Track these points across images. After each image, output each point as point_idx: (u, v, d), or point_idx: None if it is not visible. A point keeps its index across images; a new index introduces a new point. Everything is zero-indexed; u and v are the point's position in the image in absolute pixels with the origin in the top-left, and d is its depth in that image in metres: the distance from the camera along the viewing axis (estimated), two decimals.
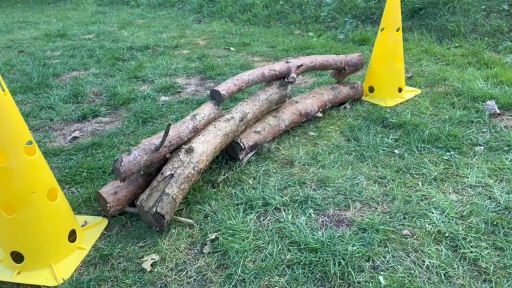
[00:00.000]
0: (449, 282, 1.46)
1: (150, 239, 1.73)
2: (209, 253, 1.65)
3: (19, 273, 1.58)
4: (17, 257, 1.58)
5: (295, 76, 2.52)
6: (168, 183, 1.74)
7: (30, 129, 2.79)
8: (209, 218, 1.85)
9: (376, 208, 1.86)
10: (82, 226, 1.81)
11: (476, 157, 2.22)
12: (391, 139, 2.45)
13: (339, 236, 1.69)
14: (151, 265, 1.59)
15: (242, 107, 2.29)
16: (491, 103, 2.73)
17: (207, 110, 2.14)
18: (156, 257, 1.63)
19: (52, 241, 1.58)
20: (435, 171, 2.11)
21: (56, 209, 1.58)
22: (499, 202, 1.85)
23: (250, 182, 2.10)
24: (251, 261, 1.59)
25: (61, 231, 1.61)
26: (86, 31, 6.09)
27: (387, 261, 1.56)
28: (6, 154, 1.41)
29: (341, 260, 1.56)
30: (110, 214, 1.84)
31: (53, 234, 1.58)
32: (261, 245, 1.67)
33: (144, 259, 1.63)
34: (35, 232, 1.53)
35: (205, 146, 1.97)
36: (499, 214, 1.78)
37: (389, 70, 2.96)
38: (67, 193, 2.08)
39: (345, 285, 1.47)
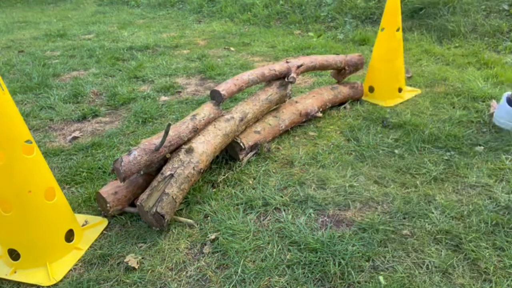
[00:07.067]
0: (449, 282, 1.46)
1: (150, 239, 1.73)
2: (209, 253, 1.65)
3: (15, 271, 1.58)
4: (17, 255, 1.59)
5: (295, 76, 2.52)
6: (168, 183, 1.74)
7: (30, 129, 2.79)
8: (209, 218, 1.85)
9: (376, 208, 1.86)
10: (83, 225, 1.81)
11: (476, 157, 2.22)
12: (391, 139, 2.45)
13: (339, 236, 1.68)
14: (137, 263, 1.60)
15: (242, 107, 2.29)
16: (494, 103, 2.73)
17: (207, 110, 2.14)
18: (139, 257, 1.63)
19: (48, 240, 1.58)
20: (435, 171, 2.11)
21: (53, 209, 1.58)
22: (499, 202, 1.85)
23: (250, 182, 2.10)
24: (251, 261, 1.59)
25: (57, 230, 1.61)
26: (86, 31, 6.09)
27: (387, 261, 1.56)
28: (3, 153, 1.41)
29: (341, 260, 1.56)
30: (110, 214, 1.84)
31: (49, 233, 1.58)
32: (261, 245, 1.67)
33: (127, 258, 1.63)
34: (30, 230, 1.53)
35: (205, 146, 1.97)
36: (499, 214, 1.78)
37: (389, 70, 2.96)
38: (67, 193, 2.08)
39: (345, 285, 1.47)
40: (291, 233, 1.71)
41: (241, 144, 2.22)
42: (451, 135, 2.43)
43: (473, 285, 1.44)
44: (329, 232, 1.71)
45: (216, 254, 1.64)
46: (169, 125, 1.79)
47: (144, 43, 5.05)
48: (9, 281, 1.56)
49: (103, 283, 1.53)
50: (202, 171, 1.91)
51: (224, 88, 2.19)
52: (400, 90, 3.03)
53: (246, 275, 1.52)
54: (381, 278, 1.48)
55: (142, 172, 1.95)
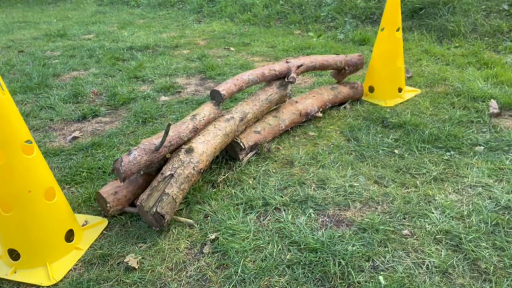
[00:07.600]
0: (449, 282, 1.46)
1: (150, 239, 1.73)
2: (209, 253, 1.65)
3: (15, 271, 1.58)
4: (17, 255, 1.59)
5: (295, 76, 2.52)
6: (168, 183, 1.74)
7: (30, 129, 2.79)
8: (209, 218, 1.85)
9: (376, 208, 1.86)
10: (83, 225, 1.81)
11: (476, 157, 2.22)
12: (391, 139, 2.45)
13: (339, 236, 1.69)
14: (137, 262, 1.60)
15: (242, 107, 2.29)
16: (493, 103, 2.73)
17: (207, 110, 2.14)
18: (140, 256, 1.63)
19: (48, 240, 1.58)
20: (435, 171, 2.11)
21: (53, 209, 1.58)
22: (499, 202, 1.85)
23: (250, 182, 2.10)
24: (251, 261, 1.59)
25: (57, 230, 1.61)
26: (86, 31, 6.09)
27: (387, 261, 1.56)
28: (3, 153, 1.41)
29: (341, 260, 1.56)
30: (110, 214, 1.84)
31: (48, 233, 1.58)
32: (261, 245, 1.67)
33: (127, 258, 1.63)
34: (30, 230, 1.53)
35: (205, 146, 1.97)
36: (499, 214, 1.78)
37: (389, 70, 2.96)
38: (67, 193, 2.08)
39: (345, 285, 1.47)
40: (291, 233, 1.71)
41: (241, 144, 2.22)
42: (451, 135, 2.43)
43: (473, 285, 1.44)
44: (329, 232, 1.71)
45: (216, 254, 1.64)
46: (169, 125, 1.79)
47: (144, 43, 5.05)
48: (9, 281, 1.56)
49: (103, 283, 1.53)
50: (202, 171, 1.91)
51: (224, 88, 2.19)
52: (400, 90, 3.03)
53: (246, 275, 1.52)
54: (381, 278, 1.48)
55: (142, 172, 1.95)
